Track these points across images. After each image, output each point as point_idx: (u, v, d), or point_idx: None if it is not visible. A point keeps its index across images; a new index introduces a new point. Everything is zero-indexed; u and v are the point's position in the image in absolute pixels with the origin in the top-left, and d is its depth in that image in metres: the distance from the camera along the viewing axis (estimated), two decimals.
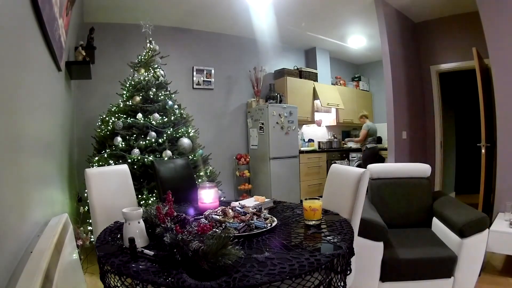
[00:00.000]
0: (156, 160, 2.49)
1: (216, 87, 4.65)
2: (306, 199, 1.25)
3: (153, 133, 2.82)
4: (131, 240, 0.92)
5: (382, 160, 5.02)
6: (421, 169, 2.34)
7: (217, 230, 1.07)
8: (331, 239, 1.06)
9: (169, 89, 3.25)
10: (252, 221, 1.16)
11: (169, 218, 1.05)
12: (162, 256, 0.89)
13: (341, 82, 6.04)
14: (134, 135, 2.81)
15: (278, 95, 4.83)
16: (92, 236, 2.01)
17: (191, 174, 2.36)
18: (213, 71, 4.60)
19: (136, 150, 2.73)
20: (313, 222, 1.20)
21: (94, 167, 2.65)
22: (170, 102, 3.06)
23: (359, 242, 1.44)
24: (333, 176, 1.60)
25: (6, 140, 0.94)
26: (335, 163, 4.96)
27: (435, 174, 4.29)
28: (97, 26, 3.21)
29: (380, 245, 1.68)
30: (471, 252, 1.73)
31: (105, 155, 2.72)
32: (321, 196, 1.53)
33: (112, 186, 1.62)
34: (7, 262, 0.89)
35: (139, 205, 2.46)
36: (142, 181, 2.68)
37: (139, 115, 2.86)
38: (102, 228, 1.25)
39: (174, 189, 2.00)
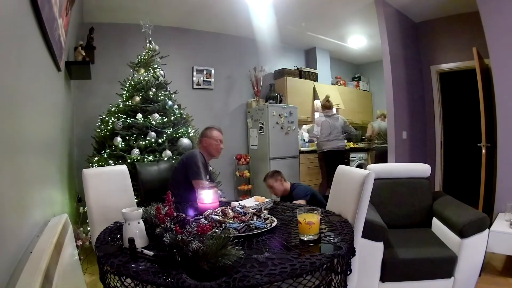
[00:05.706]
0: (138, 162, 2.50)
1: (216, 87, 4.65)
2: (301, 212, 1.06)
3: (153, 133, 2.82)
4: (131, 241, 0.92)
5: None
6: (421, 169, 2.33)
7: (217, 230, 1.07)
8: (331, 239, 1.05)
9: (169, 89, 3.25)
10: (252, 222, 1.15)
11: (169, 218, 1.05)
12: (162, 256, 0.89)
13: (341, 82, 6.04)
14: (134, 135, 2.80)
15: (278, 95, 4.83)
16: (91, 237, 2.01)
17: None
18: (213, 71, 4.60)
19: (136, 150, 2.73)
20: (309, 237, 1.04)
21: (94, 167, 2.65)
22: (170, 102, 3.06)
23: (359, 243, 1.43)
24: (339, 178, 1.59)
25: (6, 140, 0.94)
26: None
27: (435, 174, 4.29)
28: (97, 26, 3.21)
29: (380, 245, 1.68)
30: (471, 252, 1.73)
31: (105, 155, 2.72)
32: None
33: (110, 187, 1.61)
34: (7, 262, 0.89)
35: (138, 205, 2.46)
36: None
37: (139, 115, 2.86)
38: (99, 229, 1.24)
39: (154, 190, 2.03)
